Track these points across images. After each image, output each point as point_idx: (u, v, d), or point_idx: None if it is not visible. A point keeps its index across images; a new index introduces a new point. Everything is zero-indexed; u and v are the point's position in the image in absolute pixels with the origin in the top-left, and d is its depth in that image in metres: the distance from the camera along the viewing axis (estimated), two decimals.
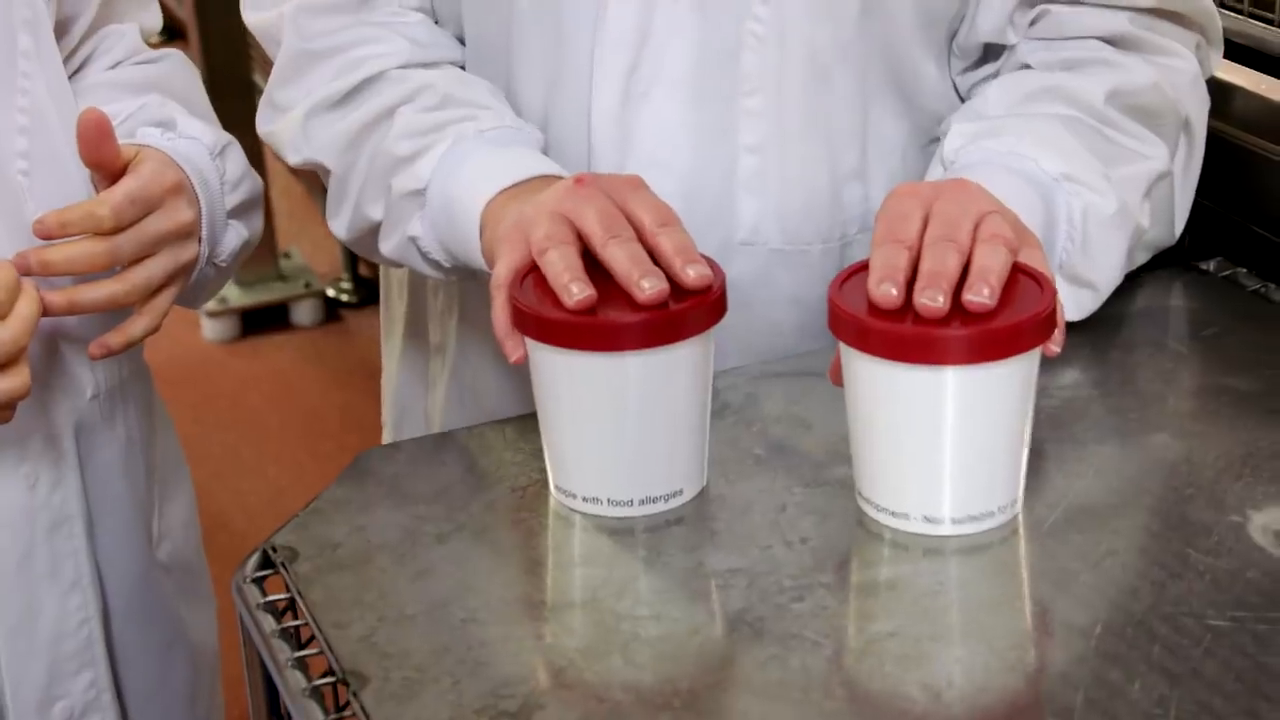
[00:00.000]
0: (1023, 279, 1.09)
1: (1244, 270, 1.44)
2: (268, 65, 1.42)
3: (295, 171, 3.58)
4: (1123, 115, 1.30)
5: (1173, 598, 0.99)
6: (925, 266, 1.02)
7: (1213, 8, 1.38)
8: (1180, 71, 1.33)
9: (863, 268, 1.11)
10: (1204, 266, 1.46)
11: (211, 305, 3.54)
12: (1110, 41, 1.33)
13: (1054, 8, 1.33)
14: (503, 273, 1.11)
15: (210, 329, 3.61)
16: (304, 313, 3.71)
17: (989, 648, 0.96)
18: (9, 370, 1.14)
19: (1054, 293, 1.07)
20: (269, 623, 1.03)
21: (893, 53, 1.34)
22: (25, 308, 1.14)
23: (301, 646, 1.00)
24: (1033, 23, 1.33)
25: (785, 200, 1.30)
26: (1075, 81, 1.30)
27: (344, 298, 3.77)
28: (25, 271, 1.17)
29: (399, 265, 1.39)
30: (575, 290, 1.04)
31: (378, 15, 1.36)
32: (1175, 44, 1.34)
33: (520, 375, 1.27)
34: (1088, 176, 1.24)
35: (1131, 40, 1.33)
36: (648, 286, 1.04)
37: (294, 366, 3.52)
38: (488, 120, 1.28)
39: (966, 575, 1.04)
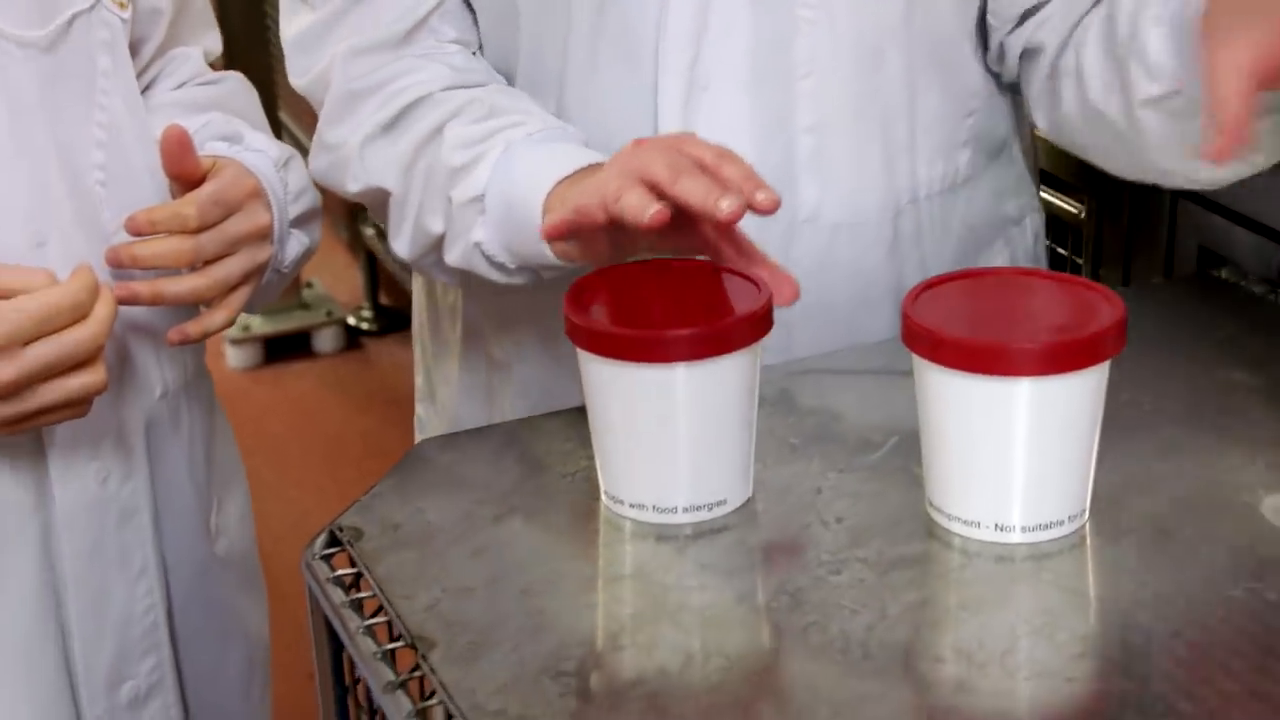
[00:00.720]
0: (1091, 294, 1.12)
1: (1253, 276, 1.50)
2: (293, 101, 1.49)
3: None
4: None
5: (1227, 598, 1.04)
6: None
7: None
8: None
9: (937, 282, 1.15)
10: (1223, 276, 1.52)
11: (235, 332, 3.60)
12: None
13: None
14: (581, 202, 1.17)
15: (234, 356, 3.67)
16: (325, 340, 3.76)
17: (1027, 622, 1.01)
18: (88, 367, 1.20)
19: (1123, 308, 1.10)
20: (338, 595, 1.08)
21: (934, 32, 1.40)
22: (103, 309, 1.20)
23: (367, 618, 1.06)
24: None
25: (842, 177, 1.36)
26: None
27: (364, 326, 3.81)
28: (117, 264, 1.24)
29: (462, 277, 1.42)
30: (655, 208, 1.10)
31: (418, 49, 1.42)
32: None
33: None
34: None
35: None
36: (726, 206, 1.09)
37: (315, 393, 3.58)
38: (534, 124, 1.33)
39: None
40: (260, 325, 3.69)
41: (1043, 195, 1.67)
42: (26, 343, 1.18)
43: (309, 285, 3.84)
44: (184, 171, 1.27)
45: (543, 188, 1.27)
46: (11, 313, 1.16)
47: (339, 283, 3.89)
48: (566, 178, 1.26)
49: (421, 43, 1.43)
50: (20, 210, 1.27)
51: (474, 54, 1.45)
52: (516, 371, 1.53)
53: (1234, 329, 1.42)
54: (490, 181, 1.31)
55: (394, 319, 3.80)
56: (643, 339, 1.11)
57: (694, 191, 1.11)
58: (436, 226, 1.36)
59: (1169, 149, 1.30)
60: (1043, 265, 1.64)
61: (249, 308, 1.40)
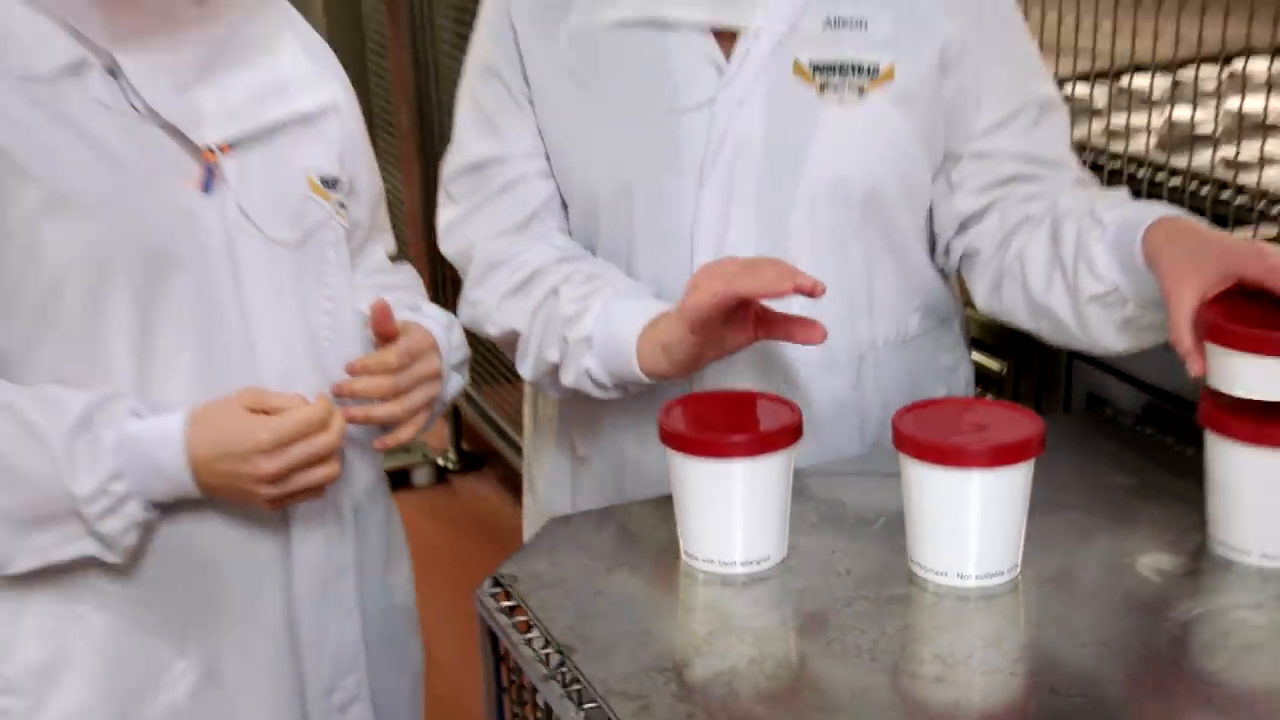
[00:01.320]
0: (1020, 416, 1.21)
1: (1125, 413, 1.57)
2: None
3: None
4: None
5: (1119, 624, 1.16)
6: None
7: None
8: None
9: (919, 406, 1.24)
10: (1106, 412, 1.60)
11: None
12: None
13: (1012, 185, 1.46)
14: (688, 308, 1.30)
15: None
16: (421, 476, 3.77)
17: (981, 638, 1.13)
18: (326, 463, 1.30)
19: (1042, 424, 1.19)
20: (504, 619, 1.20)
21: (889, 234, 1.47)
22: (337, 424, 1.30)
23: (544, 642, 1.16)
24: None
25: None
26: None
27: (450, 465, 3.80)
28: (340, 395, 1.34)
29: (569, 393, 1.47)
30: (788, 284, 1.25)
31: (532, 234, 1.51)
32: None
33: (639, 469, 1.47)
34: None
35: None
36: (796, 282, 1.25)
37: (413, 517, 3.41)
38: (621, 285, 1.43)
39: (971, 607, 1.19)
40: None
41: (973, 353, 1.68)
42: (288, 445, 1.28)
43: None
44: (386, 331, 1.37)
45: (635, 330, 1.38)
46: (278, 424, 1.27)
47: (431, 432, 3.75)
48: (650, 321, 1.37)
49: (533, 229, 1.51)
50: (279, 357, 1.36)
51: (568, 235, 1.53)
52: (593, 465, 1.57)
53: (1114, 448, 1.47)
54: (595, 327, 1.40)
55: (472, 460, 3.80)
56: (713, 441, 1.21)
57: (765, 279, 1.26)
58: (553, 356, 1.44)
59: (1105, 330, 1.37)
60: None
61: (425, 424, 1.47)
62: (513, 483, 3.58)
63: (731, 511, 1.23)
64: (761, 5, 1.42)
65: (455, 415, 3.78)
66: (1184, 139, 1.72)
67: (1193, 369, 1.19)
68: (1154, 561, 1.25)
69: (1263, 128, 1.69)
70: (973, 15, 1.45)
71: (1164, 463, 1.44)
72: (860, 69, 1.42)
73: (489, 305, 1.51)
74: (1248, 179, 1.62)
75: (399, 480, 3.75)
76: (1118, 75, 1.81)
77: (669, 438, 1.24)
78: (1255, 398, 1.18)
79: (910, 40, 1.43)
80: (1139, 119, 1.79)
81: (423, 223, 3.50)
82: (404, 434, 1.40)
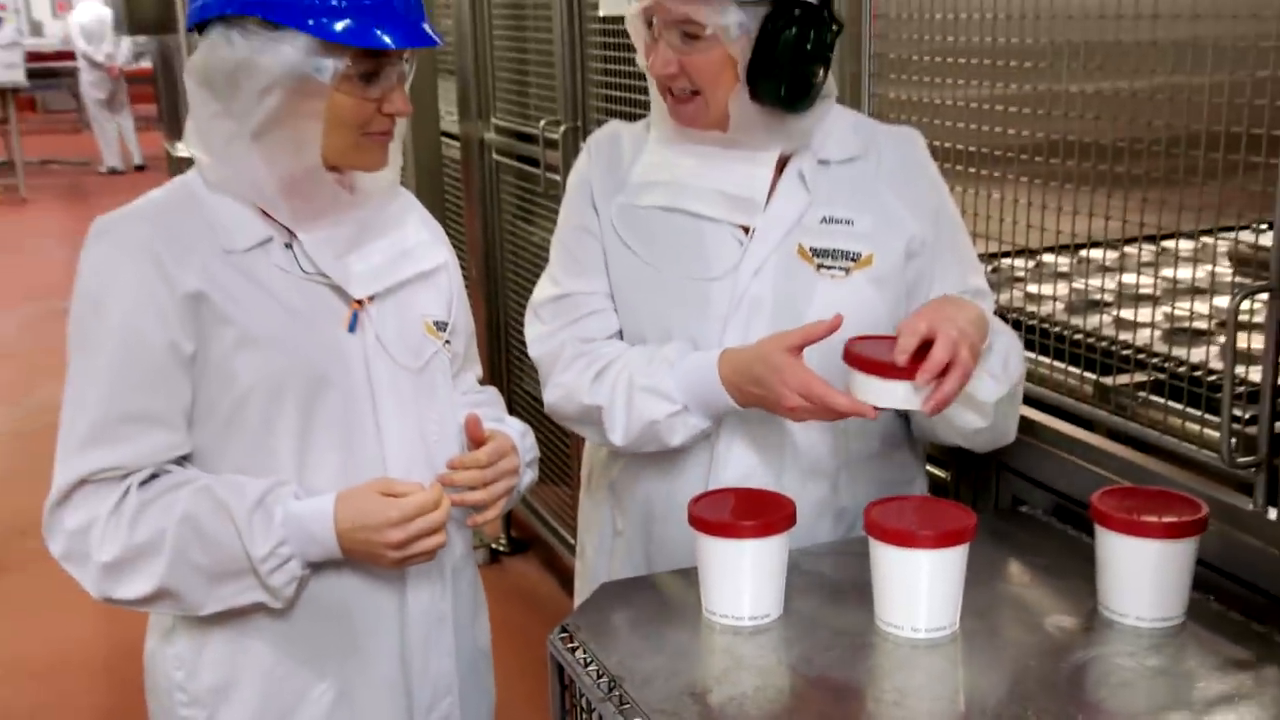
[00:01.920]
0: (958, 510, 1.27)
1: (1042, 510, 1.62)
2: None
3: None
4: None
5: (1036, 670, 1.24)
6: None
7: None
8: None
9: (884, 501, 1.30)
10: (1024, 510, 1.65)
11: None
12: None
13: None
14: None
15: None
16: (478, 556, 3.32)
17: (928, 674, 1.21)
18: (436, 535, 1.37)
19: (975, 516, 1.25)
20: (570, 656, 1.28)
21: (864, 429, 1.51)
22: (445, 504, 1.38)
23: (600, 671, 1.24)
24: None
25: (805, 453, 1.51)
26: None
27: (501, 549, 3.75)
28: (444, 484, 1.41)
29: (636, 447, 1.50)
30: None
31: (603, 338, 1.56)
32: None
33: (661, 543, 1.51)
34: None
35: None
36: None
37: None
38: (673, 354, 1.48)
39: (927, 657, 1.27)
40: None
41: (927, 467, 1.72)
42: (410, 520, 1.35)
43: None
44: (477, 437, 1.46)
45: (714, 364, 1.44)
46: (404, 504, 1.34)
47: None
48: (722, 363, 1.43)
49: (601, 334, 1.56)
50: (401, 455, 1.43)
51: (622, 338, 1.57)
52: (627, 538, 1.61)
53: (1029, 538, 1.53)
54: (677, 389, 1.46)
55: (520, 545, 3.74)
56: (730, 526, 1.29)
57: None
58: (654, 413, 1.47)
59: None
60: None
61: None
62: (552, 564, 3.55)
63: (741, 579, 1.30)
64: (763, 210, 1.49)
65: None
66: (1083, 304, 1.76)
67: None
68: (1057, 621, 1.32)
69: (1136, 298, 1.75)
70: (930, 219, 1.54)
71: (1067, 549, 1.49)
72: (847, 255, 1.50)
73: (575, 386, 1.54)
74: (1128, 336, 1.66)
75: None
76: (1033, 253, 1.84)
77: (696, 522, 1.31)
78: (881, 406, 1.33)
79: (884, 236, 1.51)
80: (1049, 289, 1.83)
81: (487, 346, 3.60)
82: (489, 514, 1.46)
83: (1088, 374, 1.61)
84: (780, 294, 1.50)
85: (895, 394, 1.32)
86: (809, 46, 1.44)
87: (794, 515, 1.32)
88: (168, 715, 1.45)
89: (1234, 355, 1.31)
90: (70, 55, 13.05)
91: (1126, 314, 1.67)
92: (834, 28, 1.48)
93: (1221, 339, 1.47)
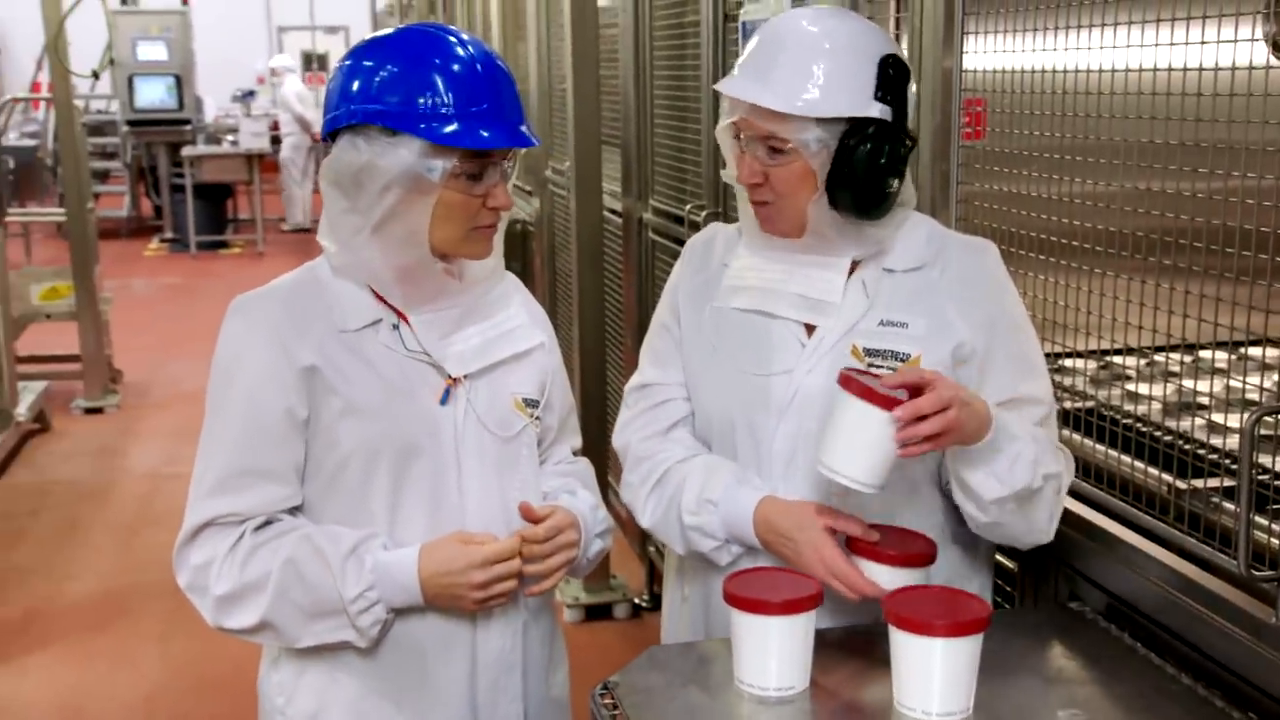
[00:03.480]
0: (975, 602, 1.32)
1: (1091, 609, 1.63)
2: None
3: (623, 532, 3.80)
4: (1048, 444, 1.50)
5: None
6: None
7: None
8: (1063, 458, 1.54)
9: (907, 590, 1.34)
10: (1073, 607, 1.65)
11: (570, 601, 3.74)
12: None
13: None
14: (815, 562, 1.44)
15: (569, 614, 3.74)
16: (620, 610, 3.83)
17: None
18: (509, 581, 1.48)
19: (990, 607, 1.29)
20: (605, 713, 1.37)
21: (904, 474, 1.51)
22: (518, 557, 1.49)
23: None
24: None
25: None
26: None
27: (644, 604, 3.85)
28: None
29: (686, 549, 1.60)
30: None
31: (670, 439, 1.65)
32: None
33: (719, 613, 1.53)
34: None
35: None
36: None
37: (612, 642, 3.61)
38: (730, 474, 1.57)
39: None
40: (585, 598, 3.81)
41: (998, 557, 1.74)
42: (491, 564, 1.46)
43: (614, 577, 3.90)
44: (531, 518, 1.53)
45: (751, 504, 1.53)
46: (485, 550, 1.46)
47: (632, 577, 3.96)
48: (759, 505, 1.52)
49: (672, 435, 1.65)
50: (480, 516, 1.53)
51: (694, 438, 1.66)
52: (691, 606, 1.70)
53: (1068, 634, 1.55)
54: (721, 524, 1.56)
55: (660, 601, 3.78)
56: (758, 602, 1.36)
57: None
58: (704, 547, 1.59)
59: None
60: (990, 589, 1.68)
61: (573, 574, 1.63)
62: None
63: (768, 652, 1.37)
64: (836, 312, 1.57)
65: (650, 565, 3.87)
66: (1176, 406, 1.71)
67: None
68: (1070, 713, 1.34)
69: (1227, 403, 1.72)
70: (985, 327, 1.55)
71: (1102, 646, 1.50)
72: (896, 355, 1.54)
73: (641, 491, 1.64)
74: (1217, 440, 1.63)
75: (604, 613, 3.83)
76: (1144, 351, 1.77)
77: (729, 597, 1.39)
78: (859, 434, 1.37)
79: (935, 339, 1.55)
80: (1149, 389, 1.78)
81: None
82: (546, 585, 1.54)
83: (1165, 476, 1.59)
84: (831, 392, 1.54)
85: (871, 417, 1.36)
86: (883, 160, 1.50)
87: (820, 596, 1.38)
88: None
89: (1250, 468, 1.30)
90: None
91: (1219, 418, 1.64)
92: (907, 143, 1.54)
93: None
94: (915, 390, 1.38)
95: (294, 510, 1.55)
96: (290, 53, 13.98)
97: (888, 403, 1.37)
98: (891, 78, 1.52)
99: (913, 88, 1.57)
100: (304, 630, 1.50)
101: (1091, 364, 1.94)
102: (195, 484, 1.54)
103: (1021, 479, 1.46)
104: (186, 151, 10.78)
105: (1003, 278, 1.62)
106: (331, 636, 1.51)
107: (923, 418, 1.36)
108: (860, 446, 1.38)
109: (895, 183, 1.54)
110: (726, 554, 1.60)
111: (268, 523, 1.52)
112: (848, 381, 1.40)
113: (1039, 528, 1.54)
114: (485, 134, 1.44)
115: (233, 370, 1.52)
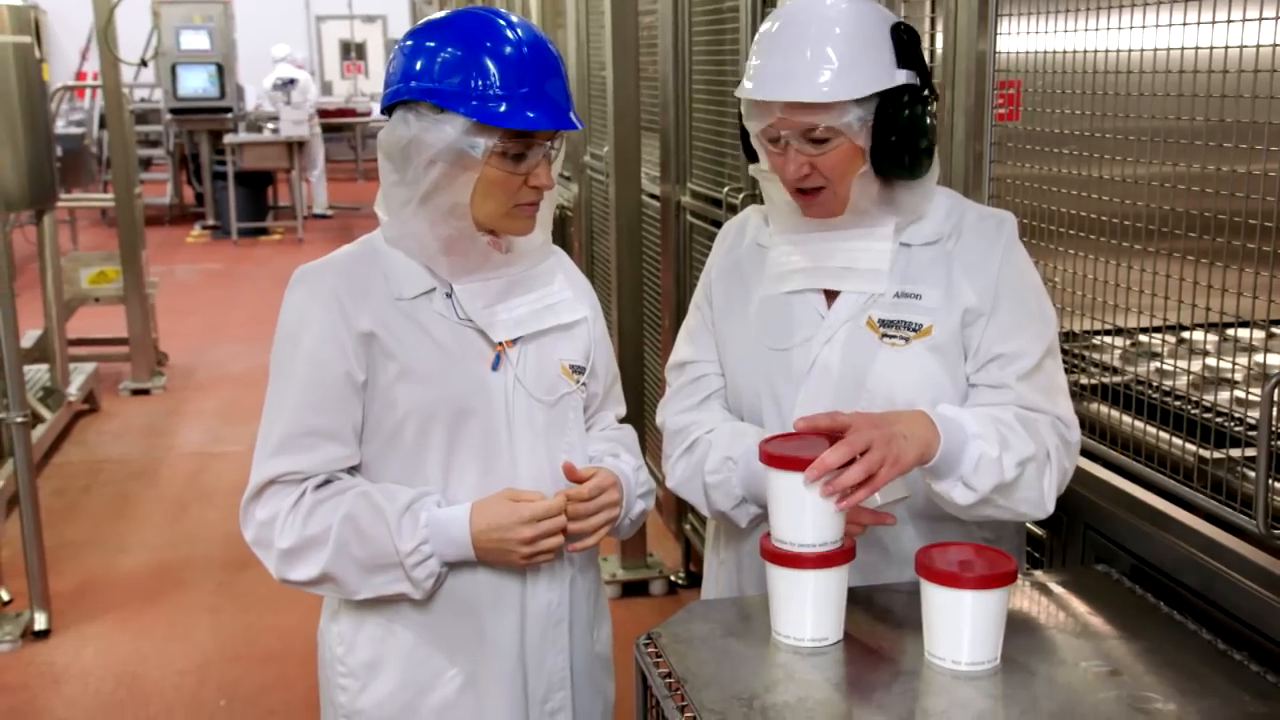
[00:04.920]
0: (1002, 558, 1.35)
1: (1116, 571, 1.66)
2: None
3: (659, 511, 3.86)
4: (1016, 427, 1.51)
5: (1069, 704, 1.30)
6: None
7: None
8: (1047, 424, 1.54)
9: (937, 546, 1.38)
10: (1096, 568, 1.70)
11: (607, 577, 3.79)
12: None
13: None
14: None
15: (606, 591, 3.62)
16: (657, 587, 3.89)
17: (954, 701, 1.31)
18: (556, 538, 1.55)
19: (1015, 562, 1.33)
20: (648, 660, 1.43)
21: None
22: (563, 514, 1.56)
23: (662, 673, 1.40)
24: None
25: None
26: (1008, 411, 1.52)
27: (680, 581, 3.91)
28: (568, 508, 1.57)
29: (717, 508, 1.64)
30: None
31: (702, 409, 1.70)
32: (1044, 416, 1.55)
33: (751, 573, 1.61)
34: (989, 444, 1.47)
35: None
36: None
37: (648, 617, 3.65)
38: (752, 437, 1.61)
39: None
40: (623, 574, 3.87)
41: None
42: (539, 520, 1.52)
43: (651, 555, 3.96)
44: (575, 478, 1.60)
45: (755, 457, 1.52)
46: (534, 506, 1.52)
47: (667, 555, 4.02)
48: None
49: (704, 407, 1.71)
50: (530, 475, 1.60)
51: (726, 410, 1.71)
52: (726, 566, 1.76)
53: (1091, 592, 1.59)
54: (741, 467, 1.60)
55: (695, 578, 3.84)
56: (794, 556, 1.39)
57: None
58: (724, 505, 1.63)
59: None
60: (1023, 553, 1.74)
61: (616, 533, 1.68)
62: None
63: (804, 604, 1.42)
64: (886, 279, 1.61)
65: (686, 543, 3.94)
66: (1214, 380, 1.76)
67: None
68: (1092, 665, 1.39)
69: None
70: (990, 291, 1.59)
71: (1125, 604, 1.54)
72: (909, 325, 1.59)
73: (668, 464, 1.73)
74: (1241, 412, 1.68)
75: (640, 589, 3.90)
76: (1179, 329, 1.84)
77: (765, 553, 1.45)
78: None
79: (945, 309, 1.59)
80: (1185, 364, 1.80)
81: None
82: (589, 542, 1.62)
83: (1189, 446, 1.64)
84: (846, 362, 1.61)
85: (796, 482, 1.39)
86: (923, 121, 1.55)
87: (853, 550, 1.44)
88: (329, 684, 1.69)
89: (1270, 432, 1.35)
90: (351, 112, 14.30)
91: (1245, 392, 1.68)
92: (934, 100, 1.59)
93: None
94: (834, 436, 1.40)
95: (353, 470, 1.62)
96: (329, 42, 14.08)
97: (803, 464, 1.39)
98: (906, 43, 1.56)
99: (924, 44, 1.58)
100: (362, 583, 1.58)
101: (1122, 341, 1.98)
102: (260, 444, 1.61)
103: (989, 480, 1.48)
104: (228, 139, 10.94)
105: (1012, 244, 1.64)
106: (388, 589, 1.58)
107: (847, 463, 1.37)
108: (798, 513, 1.40)
109: (931, 137, 1.57)
110: (745, 513, 1.64)
111: (328, 481, 1.60)
112: (766, 457, 1.42)
113: (1033, 506, 1.54)
114: (531, 115, 1.50)
115: (295, 336, 1.60)
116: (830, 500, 1.40)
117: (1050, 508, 1.55)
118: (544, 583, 1.65)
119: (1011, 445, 1.50)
